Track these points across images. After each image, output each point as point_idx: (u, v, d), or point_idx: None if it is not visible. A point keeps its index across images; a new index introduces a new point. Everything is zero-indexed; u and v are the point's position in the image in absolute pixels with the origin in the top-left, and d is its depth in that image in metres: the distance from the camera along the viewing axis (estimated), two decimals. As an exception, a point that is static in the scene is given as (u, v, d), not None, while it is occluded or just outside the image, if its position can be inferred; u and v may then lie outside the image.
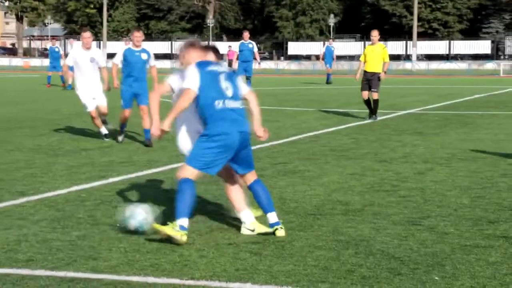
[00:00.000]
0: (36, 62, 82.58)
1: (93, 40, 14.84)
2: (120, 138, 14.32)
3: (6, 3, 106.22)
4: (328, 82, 41.03)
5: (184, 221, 6.69)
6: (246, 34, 29.10)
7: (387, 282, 5.62)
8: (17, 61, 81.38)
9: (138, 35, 14.26)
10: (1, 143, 14.06)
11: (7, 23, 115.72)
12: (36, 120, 18.45)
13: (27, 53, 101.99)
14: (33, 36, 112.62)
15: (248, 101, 7.25)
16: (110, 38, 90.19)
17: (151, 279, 5.65)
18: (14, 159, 12.01)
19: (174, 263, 6.10)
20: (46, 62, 65.19)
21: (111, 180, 10.05)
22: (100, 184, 9.74)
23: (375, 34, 19.49)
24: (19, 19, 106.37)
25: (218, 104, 6.86)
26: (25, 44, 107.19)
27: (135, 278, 5.67)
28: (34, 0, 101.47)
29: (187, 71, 6.97)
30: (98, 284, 5.56)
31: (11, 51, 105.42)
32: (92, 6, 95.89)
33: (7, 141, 14.37)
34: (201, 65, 6.99)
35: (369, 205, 8.41)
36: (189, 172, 6.82)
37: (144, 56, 14.15)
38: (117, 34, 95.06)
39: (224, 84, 6.95)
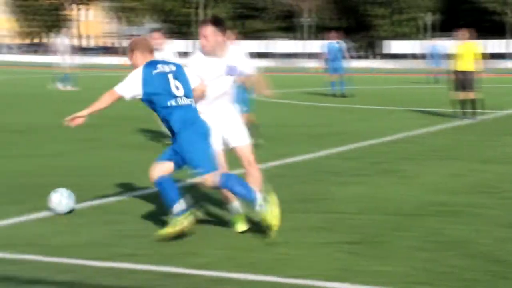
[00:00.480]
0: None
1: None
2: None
3: (107, 3, 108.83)
4: (436, 81, 39.85)
5: (259, 196, 6.64)
6: (333, 34, 29.20)
7: (491, 285, 5.49)
8: (117, 60, 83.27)
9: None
10: (98, 140, 14.41)
11: (107, 22, 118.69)
12: (130, 118, 18.78)
13: (126, 52, 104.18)
14: (132, 35, 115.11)
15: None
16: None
17: (250, 276, 5.68)
18: (111, 155, 12.30)
19: (272, 261, 6.12)
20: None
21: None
22: (194, 182, 9.83)
23: (463, 32, 19.20)
24: (119, 18, 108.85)
25: (171, 104, 6.77)
26: (124, 43, 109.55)
27: (235, 275, 5.72)
28: (132, 0, 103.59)
29: (132, 73, 6.92)
30: (199, 279, 5.63)
31: (111, 50, 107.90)
32: (188, 5, 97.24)
33: (103, 138, 14.71)
34: (148, 66, 6.91)
35: (470, 206, 8.24)
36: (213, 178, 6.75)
37: None
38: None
39: (174, 83, 6.84)
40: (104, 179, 9.92)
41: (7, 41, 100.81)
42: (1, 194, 8.70)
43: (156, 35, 13.22)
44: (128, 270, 5.84)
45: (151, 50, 7.09)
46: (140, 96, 6.86)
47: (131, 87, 6.88)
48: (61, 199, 7.69)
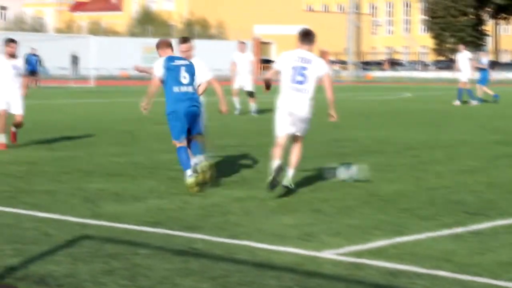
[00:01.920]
0: None
1: None
2: None
3: None
4: None
5: (189, 170, 9.28)
6: None
7: None
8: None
9: None
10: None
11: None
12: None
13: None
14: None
15: (212, 85, 10.03)
16: None
17: None
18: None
19: None
20: None
21: None
22: None
23: None
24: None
25: (176, 88, 9.42)
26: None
27: None
28: None
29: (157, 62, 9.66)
30: None
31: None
32: None
33: None
34: (169, 59, 9.60)
35: None
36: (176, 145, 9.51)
37: None
38: None
39: (183, 74, 9.46)
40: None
41: (424, 58, 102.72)
42: (411, 209, 8.46)
43: None
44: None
45: (168, 46, 9.81)
46: (162, 77, 9.42)
47: (158, 69, 9.50)
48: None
